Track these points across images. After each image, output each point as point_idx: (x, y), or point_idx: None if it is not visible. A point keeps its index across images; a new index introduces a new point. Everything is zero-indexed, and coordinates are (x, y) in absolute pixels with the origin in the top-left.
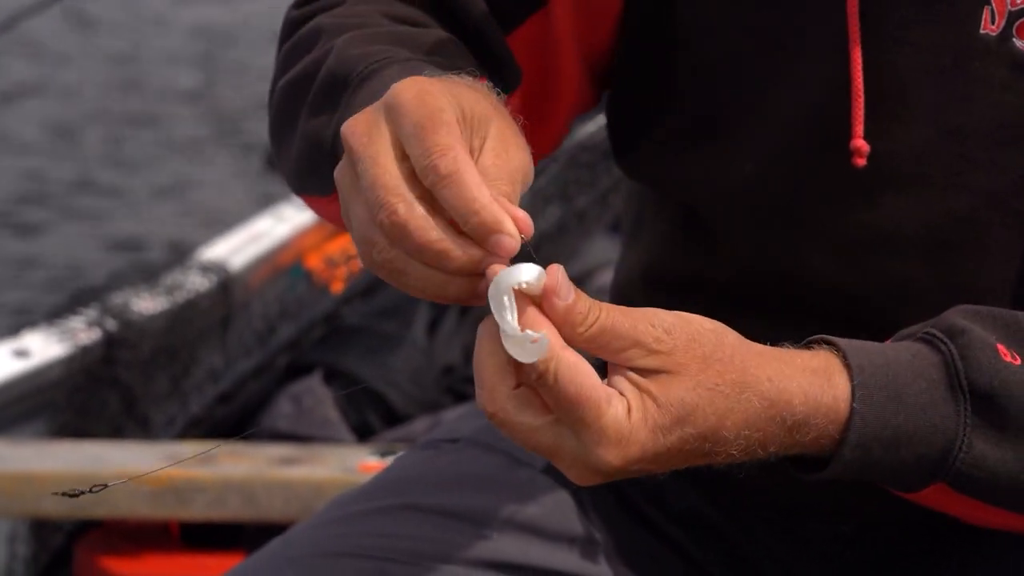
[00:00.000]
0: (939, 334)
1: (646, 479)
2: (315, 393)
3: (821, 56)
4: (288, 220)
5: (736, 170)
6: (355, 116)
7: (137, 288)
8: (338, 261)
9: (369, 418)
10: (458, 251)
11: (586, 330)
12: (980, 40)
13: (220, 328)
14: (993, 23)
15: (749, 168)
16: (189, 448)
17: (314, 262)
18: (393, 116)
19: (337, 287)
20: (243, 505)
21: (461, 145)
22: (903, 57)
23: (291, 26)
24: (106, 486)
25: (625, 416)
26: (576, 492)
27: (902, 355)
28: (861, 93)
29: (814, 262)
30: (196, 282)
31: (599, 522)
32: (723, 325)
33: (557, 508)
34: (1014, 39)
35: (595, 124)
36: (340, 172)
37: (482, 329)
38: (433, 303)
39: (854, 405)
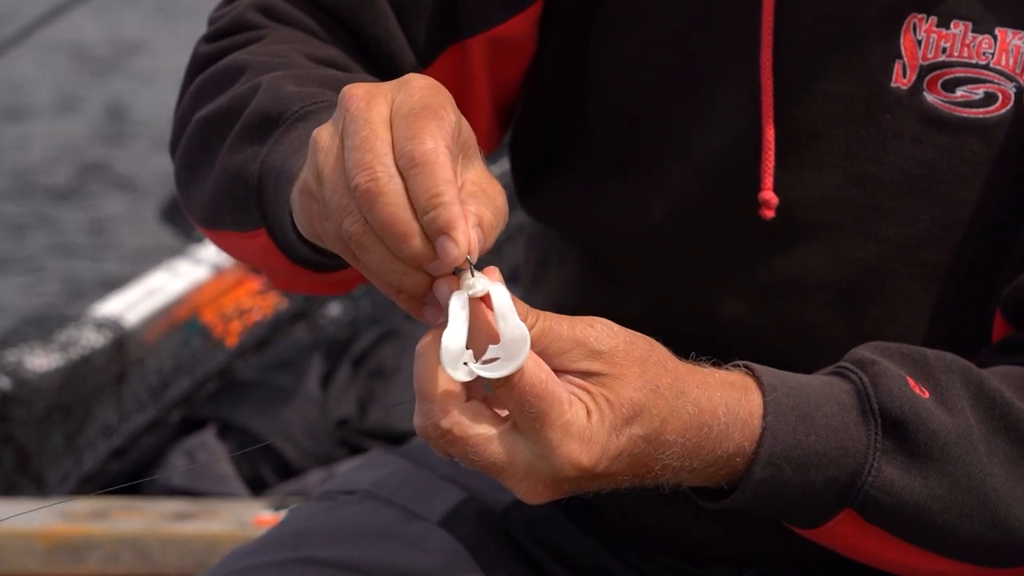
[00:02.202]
0: (850, 365)
1: (546, 533)
2: (209, 448)
3: (734, 104)
4: (183, 275)
5: (645, 213)
6: (356, 83)
7: (31, 345)
8: (232, 316)
9: (263, 472)
10: (418, 239)
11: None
12: (891, 93)
13: (115, 384)
14: (904, 77)
15: (658, 212)
16: (83, 504)
17: (209, 316)
18: (398, 93)
19: (231, 341)
20: (137, 561)
21: (446, 142)
22: (815, 107)
23: (203, 60)
24: None
25: (585, 417)
26: (474, 547)
27: (815, 381)
28: (772, 147)
29: (723, 307)
30: (91, 338)
31: None
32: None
33: (453, 562)
34: (925, 93)
35: None
36: (322, 135)
37: (424, 347)
38: (326, 356)
39: (766, 420)
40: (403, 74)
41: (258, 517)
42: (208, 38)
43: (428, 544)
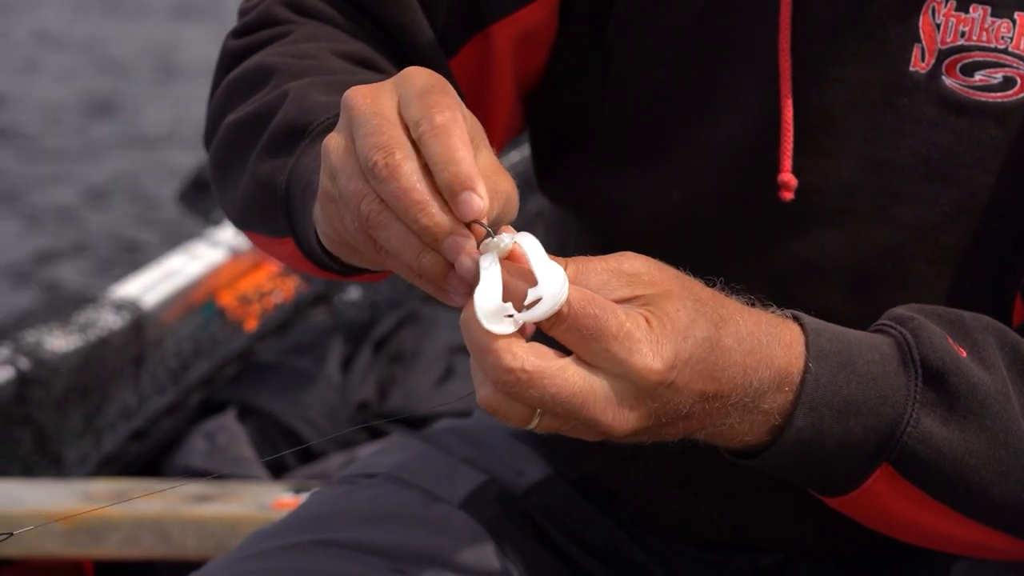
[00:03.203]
0: (889, 321)
1: (565, 516)
2: (229, 430)
3: (752, 89)
4: (201, 257)
5: (663, 197)
6: (356, 86)
7: (50, 326)
8: (251, 298)
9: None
10: (434, 208)
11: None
12: (909, 77)
13: (133, 366)
14: (923, 61)
15: (676, 196)
16: (103, 486)
17: (227, 299)
18: (401, 84)
19: (251, 324)
20: (157, 543)
21: (459, 111)
22: (832, 92)
23: (232, 57)
24: (11, 534)
25: (646, 325)
26: (494, 530)
27: (856, 332)
28: (790, 128)
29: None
30: (109, 320)
31: (516, 558)
32: None
33: (473, 543)
34: (943, 77)
35: (506, 161)
36: (331, 140)
37: (466, 314)
38: (347, 339)
39: (808, 365)
40: (431, 66)
41: (278, 500)
42: (236, 33)
43: (448, 526)
